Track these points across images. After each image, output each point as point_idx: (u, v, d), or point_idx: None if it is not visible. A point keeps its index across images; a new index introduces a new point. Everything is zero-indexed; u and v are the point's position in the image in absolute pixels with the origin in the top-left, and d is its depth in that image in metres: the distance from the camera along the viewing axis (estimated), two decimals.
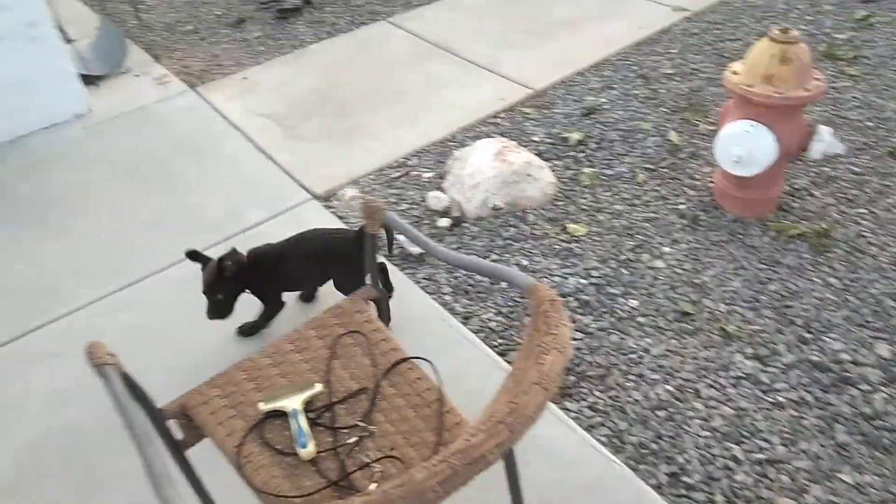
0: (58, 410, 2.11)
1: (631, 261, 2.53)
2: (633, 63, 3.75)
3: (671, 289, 2.41)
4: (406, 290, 2.45)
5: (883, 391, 2.03)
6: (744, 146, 2.40)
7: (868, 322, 2.24)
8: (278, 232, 2.73)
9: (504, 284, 2.47)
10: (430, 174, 3.05)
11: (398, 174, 3.06)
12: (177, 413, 1.39)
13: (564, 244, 2.63)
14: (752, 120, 2.39)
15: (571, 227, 2.69)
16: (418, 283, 2.51)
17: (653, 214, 2.74)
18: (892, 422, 1.95)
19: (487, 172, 2.77)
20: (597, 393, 2.08)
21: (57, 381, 2.19)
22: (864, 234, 2.57)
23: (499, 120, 3.37)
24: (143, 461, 0.93)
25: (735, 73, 2.45)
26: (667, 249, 2.57)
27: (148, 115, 3.59)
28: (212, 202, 2.94)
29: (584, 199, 2.84)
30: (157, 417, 1.31)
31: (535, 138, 3.20)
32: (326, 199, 2.95)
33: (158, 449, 0.97)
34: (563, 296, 2.41)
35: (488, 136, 3.24)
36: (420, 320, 2.34)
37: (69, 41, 3.59)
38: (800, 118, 2.44)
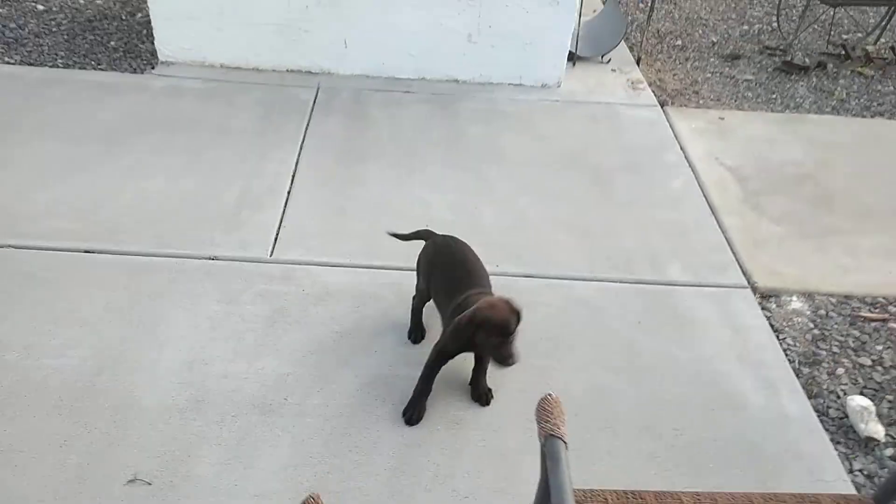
0: None
1: None
2: None
3: None
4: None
5: None
6: None
7: None
8: (694, 305, 2.28)
9: None
10: None
11: (872, 315, 2.33)
12: None
13: None
14: None
15: None
16: (851, 472, 1.81)
17: None
18: None
19: None
20: None
21: None
22: None
23: None
24: None
25: None
26: None
27: (608, 113, 3.38)
28: (633, 234, 2.58)
29: None
30: None
31: None
32: (765, 296, 2.37)
33: None
34: None
35: None
36: None
37: (579, 16, 3.54)
38: None
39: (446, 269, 1.89)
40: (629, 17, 4.62)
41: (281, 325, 2.06)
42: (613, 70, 3.82)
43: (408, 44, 3.46)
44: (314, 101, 3.28)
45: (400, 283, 2.24)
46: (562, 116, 3.34)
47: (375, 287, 2.23)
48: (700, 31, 4.57)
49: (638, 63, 3.94)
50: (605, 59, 3.89)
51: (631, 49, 4.12)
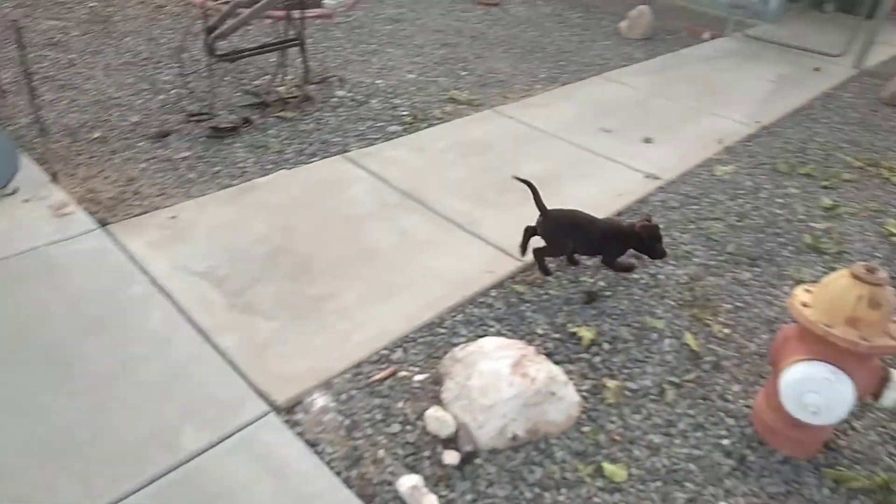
0: None
1: None
2: None
3: None
4: None
5: None
6: (822, 394, 2.05)
7: None
8: (227, 470, 2.01)
9: None
10: (421, 376, 2.46)
11: (381, 374, 2.45)
12: None
13: (605, 495, 2.11)
14: (831, 364, 2.06)
15: (608, 468, 2.19)
16: None
17: (695, 451, 2.30)
18: None
19: (505, 391, 2.24)
20: None
21: None
22: None
23: (491, 299, 2.88)
24: None
25: (805, 304, 2.14)
26: None
27: (39, 264, 2.75)
28: (129, 414, 2.15)
29: (613, 422, 2.36)
30: None
31: (539, 330, 2.73)
32: (290, 410, 2.26)
33: None
34: None
35: (483, 323, 2.74)
36: None
37: None
38: (874, 363, 2.15)
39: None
40: (20, 122, 3.90)
41: None
42: (27, 200, 3.15)
43: None
44: None
45: None
46: None
47: None
48: (117, 114, 4.16)
49: (56, 178, 3.34)
50: (11, 189, 3.17)
51: (42, 161, 3.48)
